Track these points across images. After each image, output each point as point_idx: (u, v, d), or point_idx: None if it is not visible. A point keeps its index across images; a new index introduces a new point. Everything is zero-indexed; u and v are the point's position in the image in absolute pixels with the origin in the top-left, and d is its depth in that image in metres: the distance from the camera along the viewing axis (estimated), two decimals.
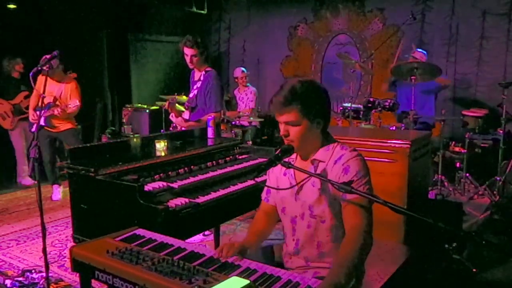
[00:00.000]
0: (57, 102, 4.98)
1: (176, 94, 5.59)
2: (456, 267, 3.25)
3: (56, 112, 4.84)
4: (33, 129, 5.03)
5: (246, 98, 6.62)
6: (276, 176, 2.07)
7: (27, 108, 5.58)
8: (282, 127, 1.88)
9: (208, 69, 3.95)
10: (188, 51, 3.82)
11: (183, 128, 4.06)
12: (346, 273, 1.59)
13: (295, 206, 1.96)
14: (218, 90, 3.90)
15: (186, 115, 4.05)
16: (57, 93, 5.00)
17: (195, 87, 3.97)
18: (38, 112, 4.83)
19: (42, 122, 4.95)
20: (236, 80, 6.68)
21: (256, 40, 8.17)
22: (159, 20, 8.06)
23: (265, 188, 2.16)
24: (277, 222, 2.15)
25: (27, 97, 5.63)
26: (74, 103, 4.78)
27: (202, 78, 3.92)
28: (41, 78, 4.87)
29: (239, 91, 6.71)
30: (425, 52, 5.57)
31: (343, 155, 1.85)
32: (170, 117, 4.02)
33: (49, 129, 5.05)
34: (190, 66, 3.94)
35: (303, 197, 1.93)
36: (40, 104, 3.17)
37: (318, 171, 1.88)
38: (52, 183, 5.33)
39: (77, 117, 5.28)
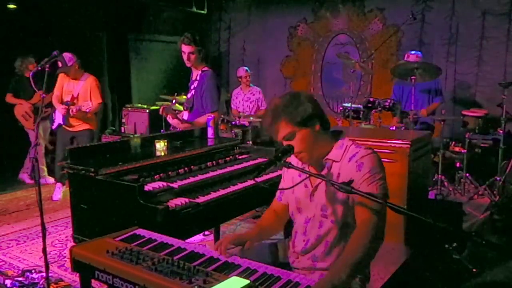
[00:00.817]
0: (75, 101, 4.95)
1: (175, 95, 5.59)
2: (456, 267, 3.25)
3: (71, 112, 4.84)
4: (53, 127, 5.07)
5: (254, 98, 6.58)
6: (291, 176, 2.07)
7: (45, 106, 5.53)
8: (284, 144, 1.88)
9: (205, 68, 3.87)
10: (185, 48, 3.74)
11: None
12: (347, 270, 1.60)
13: (310, 207, 1.96)
14: (213, 90, 3.81)
15: (184, 115, 4.03)
16: (75, 92, 4.96)
17: (192, 87, 3.94)
18: (64, 106, 4.85)
19: (60, 121, 4.95)
20: (240, 79, 6.64)
21: (256, 40, 8.17)
22: (159, 20, 8.06)
23: (280, 186, 2.17)
24: (286, 220, 2.16)
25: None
26: (87, 105, 4.77)
27: (198, 78, 3.86)
28: (61, 78, 4.96)
29: (242, 90, 6.67)
30: (419, 52, 5.55)
31: (358, 153, 1.86)
32: (168, 118, 4.01)
33: (67, 127, 5.04)
34: (187, 64, 3.85)
35: (317, 198, 1.94)
36: (41, 103, 3.18)
37: (332, 171, 1.88)
38: (57, 181, 5.35)
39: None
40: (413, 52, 5.55)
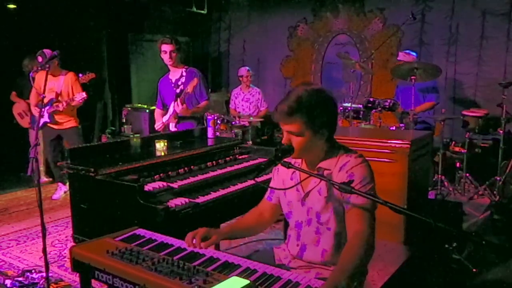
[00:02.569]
0: (59, 98, 4.98)
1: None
2: (456, 267, 3.25)
3: (60, 108, 4.87)
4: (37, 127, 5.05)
5: (254, 99, 6.58)
6: (282, 179, 2.06)
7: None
8: (284, 135, 1.86)
9: (187, 66, 4.19)
10: (166, 48, 4.03)
11: (173, 128, 4.08)
12: (347, 277, 1.59)
13: (301, 212, 1.96)
14: (205, 82, 4.21)
15: (170, 111, 4.12)
16: (57, 88, 5.00)
17: (179, 83, 4.11)
18: (43, 110, 4.85)
19: (46, 119, 4.97)
20: (241, 79, 6.64)
21: (256, 40, 8.16)
22: (159, 20, 8.05)
23: (269, 188, 2.16)
24: (271, 224, 2.15)
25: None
26: (80, 96, 4.81)
27: (185, 74, 4.10)
28: (40, 75, 4.89)
29: (242, 91, 6.67)
30: (411, 52, 5.54)
31: (348, 162, 1.84)
32: (175, 106, 4.01)
33: (53, 126, 5.05)
34: (169, 63, 4.10)
35: (309, 203, 1.93)
36: (41, 101, 3.19)
37: (323, 180, 1.86)
38: (58, 181, 5.36)
39: (78, 116, 5.30)
40: (404, 51, 5.57)
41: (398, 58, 5.51)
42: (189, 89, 3.86)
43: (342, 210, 1.84)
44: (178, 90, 4.09)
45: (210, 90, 4.41)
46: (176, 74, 4.17)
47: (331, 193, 1.85)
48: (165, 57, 4.08)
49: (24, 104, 5.77)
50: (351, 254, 1.68)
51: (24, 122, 5.81)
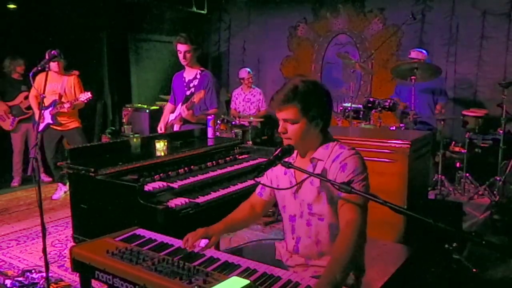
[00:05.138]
0: (63, 99, 4.99)
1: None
2: (456, 267, 3.25)
3: (66, 108, 4.89)
4: (40, 129, 5.04)
5: (254, 99, 6.59)
6: (276, 174, 2.08)
7: (27, 108, 5.59)
8: (280, 123, 1.90)
9: (202, 68, 4.04)
10: (181, 47, 3.86)
11: (176, 128, 4.07)
12: (341, 270, 1.61)
13: (294, 205, 1.98)
14: (218, 88, 4.06)
15: (177, 111, 4.06)
16: (60, 90, 5.03)
17: (191, 85, 4.01)
18: (42, 111, 4.84)
19: (49, 120, 4.98)
20: (242, 80, 6.65)
21: (256, 40, 8.17)
22: (159, 20, 8.05)
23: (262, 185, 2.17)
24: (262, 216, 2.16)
25: (27, 97, 5.63)
26: (85, 96, 4.83)
27: (198, 77, 3.98)
28: (41, 76, 4.87)
29: (243, 91, 6.68)
30: (423, 50, 5.54)
31: (341, 154, 1.87)
32: (182, 110, 3.91)
33: (56, 127, 5.07)
34: (183, 63, 3.96)
35: (301, 195, 1.95)
36: (41, 102, 3.17)
37: (317, 170, 1.89)
38: (58, 181, 5.37)
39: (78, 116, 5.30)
40: (415, 49, 5.55)
41: (410, 56, 5.46)
42: (195, 99, 3.73)
43: (335, 200, 1.87)
44: (188, 92, 4.00)
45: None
46: (190, 74, 4.03)
47: (323, 184, 1.87)
48: (180, 57, 3.92)
49: (3, 106, 5.65)
50: (344, 244, 1.70)
51: (6, 125, 5.69)
